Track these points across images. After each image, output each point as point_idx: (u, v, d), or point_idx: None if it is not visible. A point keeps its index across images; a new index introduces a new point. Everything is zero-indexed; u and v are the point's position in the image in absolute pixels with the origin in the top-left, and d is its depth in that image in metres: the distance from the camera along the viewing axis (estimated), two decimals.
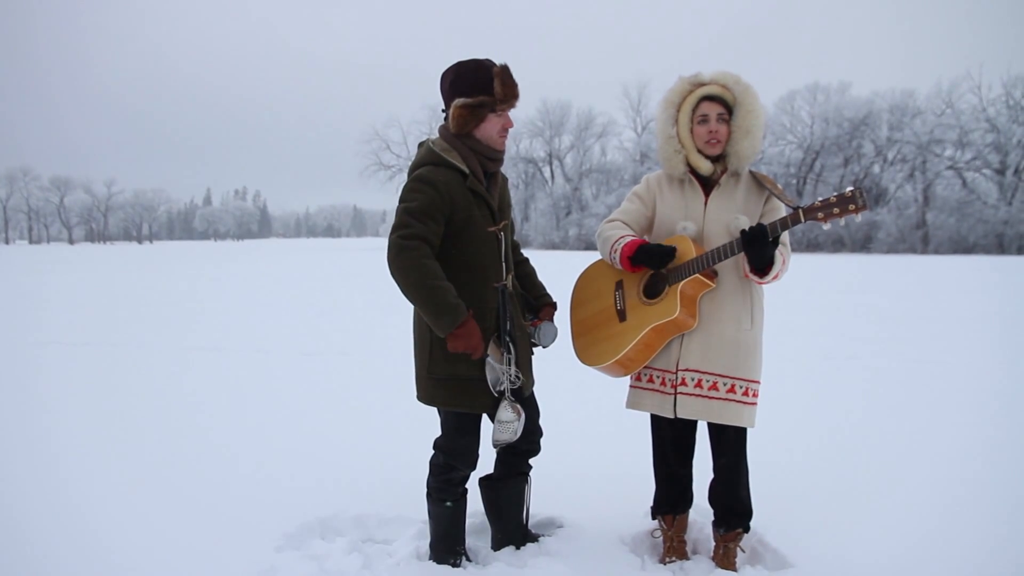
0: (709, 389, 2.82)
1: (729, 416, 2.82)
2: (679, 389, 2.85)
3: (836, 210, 2.61)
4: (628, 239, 2.88)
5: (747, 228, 2.69)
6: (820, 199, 2.65)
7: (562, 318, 3.10)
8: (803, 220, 2.65)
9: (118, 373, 7.14)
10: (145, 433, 4.97)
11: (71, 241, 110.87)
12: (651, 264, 2.83)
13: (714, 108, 2.84)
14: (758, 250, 2.67)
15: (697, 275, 2.76)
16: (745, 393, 2.84)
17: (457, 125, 2.72)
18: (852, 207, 2.60)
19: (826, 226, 2.67)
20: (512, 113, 2.82)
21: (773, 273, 2.74)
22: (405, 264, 2.58)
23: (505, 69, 2.71)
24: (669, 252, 2.79)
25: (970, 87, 48.58)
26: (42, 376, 7.05)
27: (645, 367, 2.95)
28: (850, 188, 2.62)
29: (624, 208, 3.04)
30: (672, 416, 2.88)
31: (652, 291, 2.88)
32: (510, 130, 2.85)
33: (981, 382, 6.56)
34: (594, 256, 3.12)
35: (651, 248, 2.82)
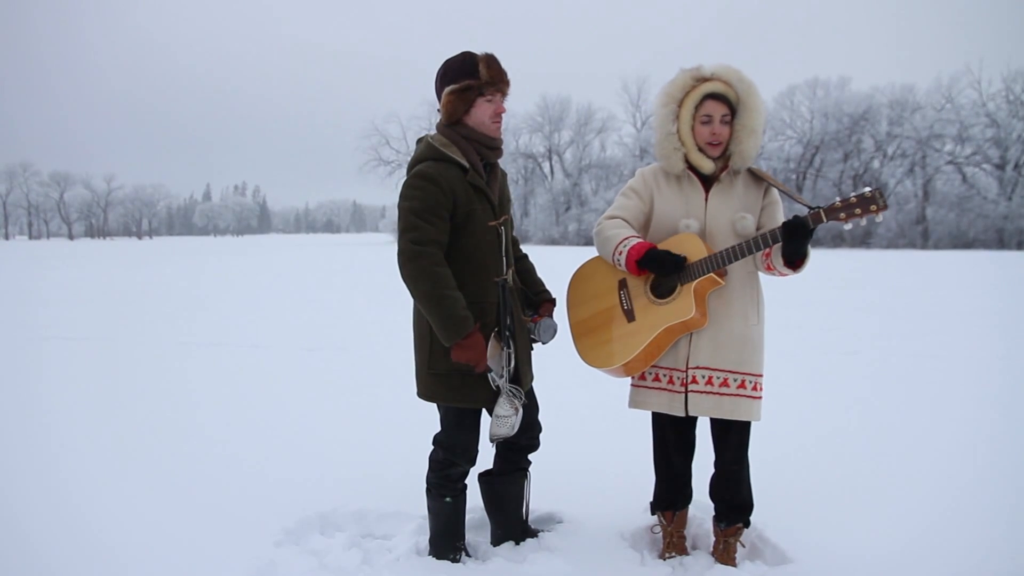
0: (720, 386, 2.82)
1: (740, 412, 2.81)
2: (690, 387, 2.84)
3: (858, 210, 2.59)
4: (635, 241, 2.84)
5: (787, 220, 2.66)
6: (840, 199, 2.62)
7: (561, 315, 3.09)
8: (825, 220, 2.63)
9: (118, 368, 7.15)
10: (144, 428, 4.97)
11: (71, 236, 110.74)
12: (660, 271, 2.80)
13: (718, 109, 2.80)
14: (799, 243, 2.65)
15: (710, 273, 2.76)
16: (754, 388, 2.84)
17: (447, 113, 2.74)
18: (873, 207, 2.58)
19: (847, 226, 2.66)
20: (512, 108, 2.84)
21: (808, 263, 2.73)
22: (417, 271, 2.59)
23: (490, 55, 2.75)
24: (680, 262, 2.76)
25: (970, 82, 48.56)
26: (42, 371, 7.05)
27: (651, 366, 2.94)
28: (869, 188, 2.60)
29: (621, 204, 3.00)
30: (683, 415, 2.87)
31: (661, 290, 2.85)
32: (510, 126, 2.88)
33: (981, 377, 6.57)
34: (594, 252, 3.09)
35: (662, 255, 2.77)
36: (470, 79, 2.70)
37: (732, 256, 2.72)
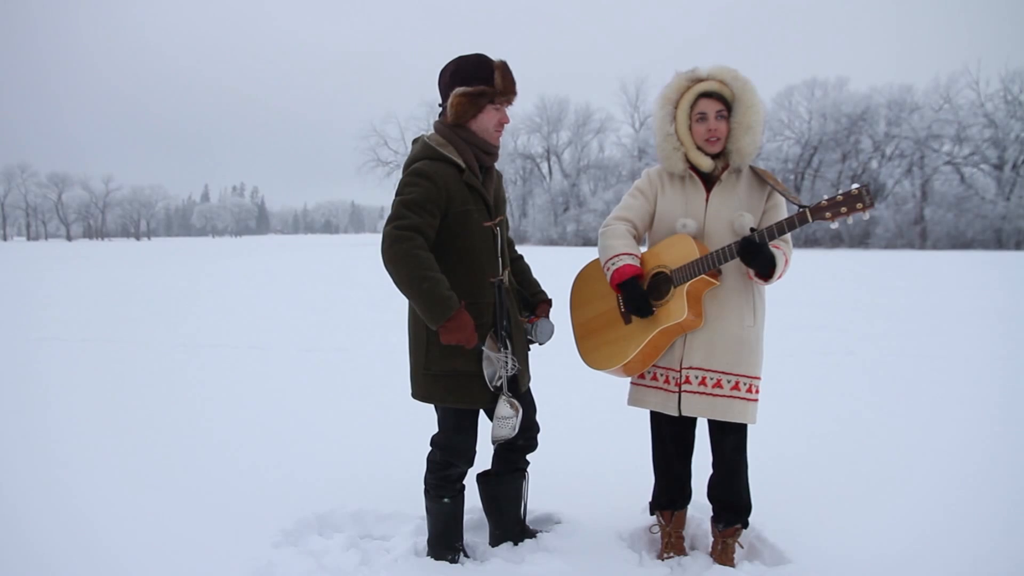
0: (713, 387, 2.82)
1: (733, 413, 2.81)
2: (683, 387, 2.84)
3: (844, 209, 2.60)
4: (622, 263, 2.86)
5: (738, 243, 2.68)
6: (826, 198, 2.63)
7: (559, 316, 3.09)
8: (811, 220, 2.64)
9: (117, 369, 7.14)
10: (144, 429, 4.97)
11: (69, 238, 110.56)
12: (626, 304, 2.85)
13: (713, 106, 2.82)
14: (757, 259, 2.66)
15: (702, 275, 2.76)
16: (749, 390, 2.84)
17: (455, 114, 2.71)
18: (860, 205, 2.58)
19: (834, 225, 2.66)
20: (510, 108, 2.82)
21: (777, 274, 2.73)
22: (398, 255, 2.56)
23: (504, 63, 2.74)
24: (647, 311, 2.80)
25: (968, 82, 48.62)
26: (42, 372, 7.04)
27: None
28: (856, 186, 2.60)
29: (627, 204, 3.02)
30: (676, 414, 2.88)
31: (656, 292, 2.86)
32: (508, 126, 2.85)
33: (980, 377, 6.57)
34: (592, 253, 3.10)
35: (635, 295, 2.82)
36: (485, 85, 2.69)
37: (717, 259, 2.73)
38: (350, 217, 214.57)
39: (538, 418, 3.06)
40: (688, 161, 2.89)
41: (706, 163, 2.85)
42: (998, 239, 42.77)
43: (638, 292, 2.82)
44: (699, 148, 2.86)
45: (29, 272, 24.20)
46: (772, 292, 3.06)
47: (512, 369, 2.78)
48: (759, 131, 2.83)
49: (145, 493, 3.77)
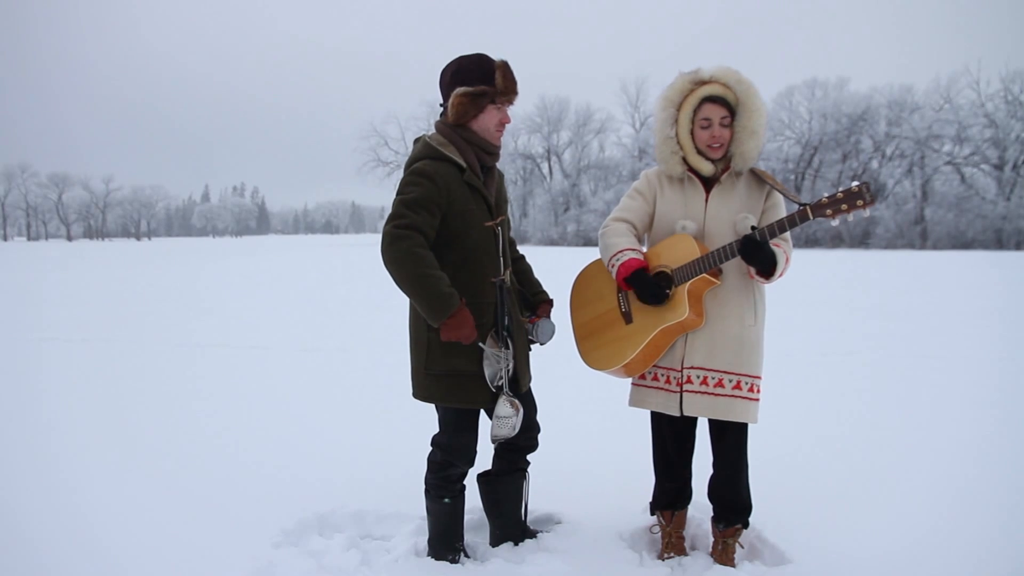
0: (715, 386, 2.82)
1: (735, 413, 2.81)
2: (685, 387, 2.84)
3: (844, 206, 2.59)
4: (627, 256, 2.85)
5: (739, 241, 2.68)
6: (827, 195, 2.62)
7: (561, 316, 3.09)
8: (812, 217, 2.64)
9: (118, 369, 7.14)
10: (144, 429, 4.97)
11: (69, 238, 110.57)
12: (641, 296, 2.82)
13: (717, 112, 2.80)
14: (759, 257, 2.66)
15: (703, 274, 2.76)
16: (750, 389, 2.84)
17: (456, 114, 2.71)
18: (860, 203, 2.58)
19: (834, 222, 2.66)
20: (510, 108, 2.82)
21: (778, 272, 2.73)
22: (397, 253, 2.56)
23: (505, 63, 2.74)
24: (662, 296, 2.78)
25: (968, 82, 48.60)
26: (42, 372, 7.05)
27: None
28: (856, 183, 2.59)
29: (626, 205, 3.02)
30: (678, 414, 2.87)
31: None
32: (508, 126, 2.85)
33: (980, 378, 6.57)
34: (593, 253, 3.09)
35: (647, 281, 2.80)
36: (486, 85, 2.69)
37: (718, 258, 2.73)
38: (351, 217, 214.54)
39: (539, 418, 3.06)
40: (687, 164, 2.89)
41: (706, 167, 2.85)
42: (998, 239, 42.73)
43: (648, 281, 2.80)
44: (699, 152, 2.86)
45: (29, 272, 24.20)
46: (772, 292, 3.06)
47: (509, 371, 2.77)
48: (762, 135, 2.82)
49: (145, 493, 3.77)
